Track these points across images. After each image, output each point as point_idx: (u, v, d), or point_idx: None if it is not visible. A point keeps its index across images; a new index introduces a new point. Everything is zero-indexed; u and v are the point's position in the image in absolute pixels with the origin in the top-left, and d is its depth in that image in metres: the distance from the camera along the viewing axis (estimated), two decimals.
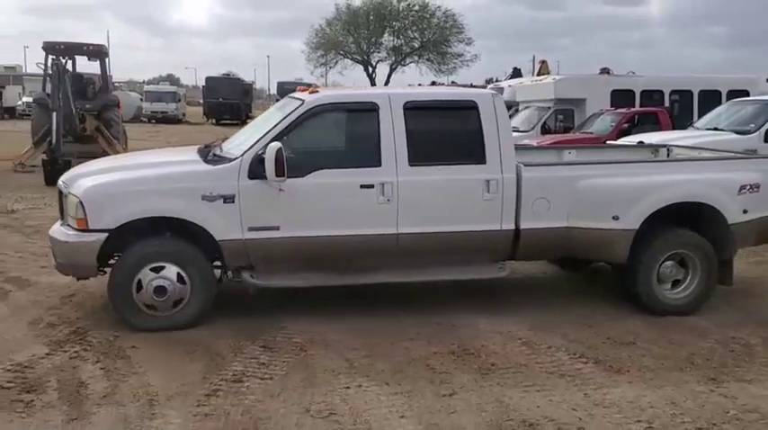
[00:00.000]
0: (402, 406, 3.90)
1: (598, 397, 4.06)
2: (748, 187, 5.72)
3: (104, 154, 15.54)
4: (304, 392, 4.06)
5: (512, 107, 17.11)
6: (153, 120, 39.43)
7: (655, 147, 7.64)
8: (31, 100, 38.94)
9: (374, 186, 5.23)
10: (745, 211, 5.69)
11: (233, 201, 5.07)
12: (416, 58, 50.24)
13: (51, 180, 12.84)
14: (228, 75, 45.65)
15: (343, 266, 5.45)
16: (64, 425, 3.61)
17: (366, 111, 5.44)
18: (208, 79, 43.79)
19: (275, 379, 4.26)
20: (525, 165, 5.49)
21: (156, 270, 5.02)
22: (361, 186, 5.24)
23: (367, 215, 5.27)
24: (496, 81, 25.67)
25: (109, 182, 5.26)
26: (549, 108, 15.33)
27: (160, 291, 5.00)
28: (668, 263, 5.59)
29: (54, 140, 13.28)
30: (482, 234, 5.42)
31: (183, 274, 5.07)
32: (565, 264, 6.81)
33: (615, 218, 5.44)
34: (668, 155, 7.16)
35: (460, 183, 5.40)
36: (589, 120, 14.17)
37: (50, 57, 16.20)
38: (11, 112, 40.63)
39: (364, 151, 5.41)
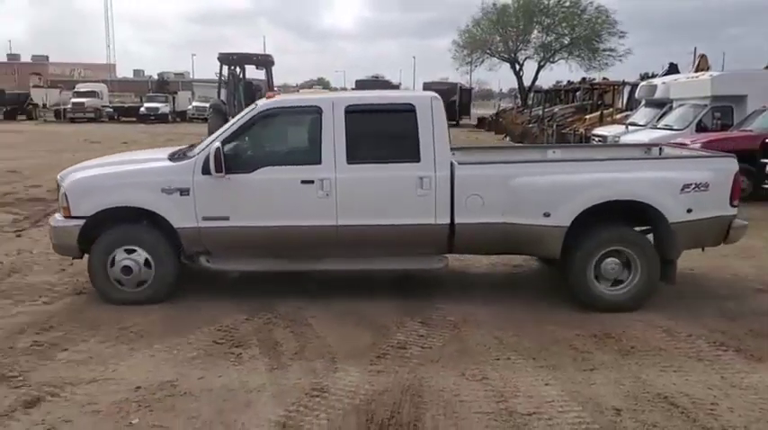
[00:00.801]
0: (546, 376, 4.42)
1: (735, 380, 4.34)
2: (693, 186, 5.64)
3: None
4: (459, 360, 4.69)
5: (665, 104, 16.71)
6: None
7: (647, 146, 7.53)
8: (199, 104, 43.18)
9: (314, 182, 5.75)
10: (689, 211, 5.64)
11: (188, 194, 5.77)
12: (566, 54, 49.20)
13: None
14: (376, 77, 47.30)
15: (290, 254, 6.03)
16: (267, 372, 4.48)
17: (311, 114, 5.98)
18: (357, 82, 45.63)
19: (434, 348, 4.93)
20: (459, 164, 5.80)
21: (129, 252, 5.85)
22: (302, 182, 5.77)
23: (308, 208, 5.78)
24: (651, 77, 24.77)
25: (87, 177, 6.13)
26: (706, 105, 14.82)
27: (126, 270, 5.84)
28: (610, 260, 5.69)
29: None
30: (418, 227, 5.77)
31: (150, 259, 5.86)
32: None
33: (546, 214, 5.60)
34: (660, 153, 7.02)
35: (395, 179, 5.79)
36: (750, 118, 13.59)
37: (225, 66, 18.10)
38: (182, 116, 44.84)
39: (307, 150, 5.99)
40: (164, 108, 43.54)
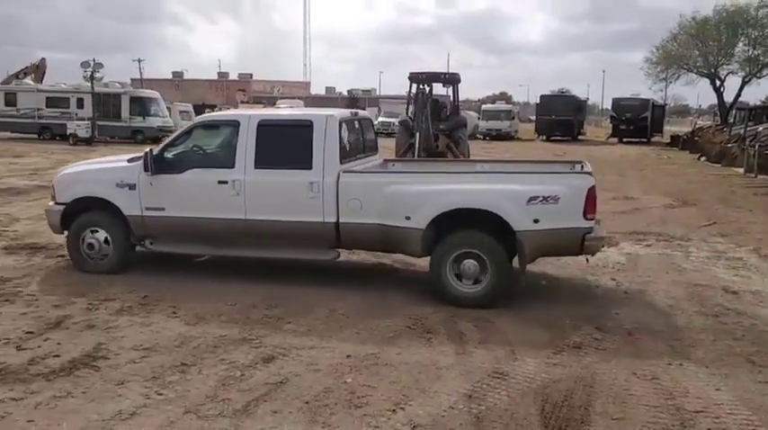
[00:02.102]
0: (718, 382, 4.66)
1: None
2: (540, 198, 6.12)
3: None
4: (631, 362, 5.03)
5: None
6: (487, 137, 42.35)
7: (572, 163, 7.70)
8: (385, 120, 45.40)
9: (228, 182, 6.88)
10: (536, 221, 6.12)
11: (135, 189, 7.16)
12: None
13: None
14: (563, 91, 46.61)
15: (213, 241, 7.23)
16: (454, 355, 5.15)
17: (232, 127, 7.13)
18: (542, 97, 45.30)
19: (608, 350, 5.31)
20: (344, 172, 6.71)
21: (93, 232, 7.34)
22: (219, 182, 6.92)
23: (223, 204, 6.91)
24: None
25: (67, 172, 7.97)
26: None
27: (90, 246, 7.33)
28: (468, 261, 6.32)
29: (416, 156, 15.88)
30: (310, 224, 6.73)
31: (109, 238, 7.31)
32: None
33: (407, 218, 6.40)
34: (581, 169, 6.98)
35: (291, 183, 6.78)
36: None
37: (414, 85, 19.19)
38: None
39: (225, 156, 7.09)
40: None
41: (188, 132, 7.44)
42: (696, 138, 32.35)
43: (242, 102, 56.58)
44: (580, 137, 44.24)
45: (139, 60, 68.14)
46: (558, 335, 5.66)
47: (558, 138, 41.40)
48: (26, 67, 40.25)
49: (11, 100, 34.54)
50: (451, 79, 20.42)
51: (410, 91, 20.04)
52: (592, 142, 40.95)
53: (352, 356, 5.05)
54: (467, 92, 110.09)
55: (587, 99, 59.19)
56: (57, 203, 7.61)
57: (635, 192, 15.89)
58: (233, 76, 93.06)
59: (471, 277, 6.38)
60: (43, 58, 41.15)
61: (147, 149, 7.16)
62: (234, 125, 7.12)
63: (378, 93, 77.41)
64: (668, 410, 4.20)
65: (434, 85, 19.68)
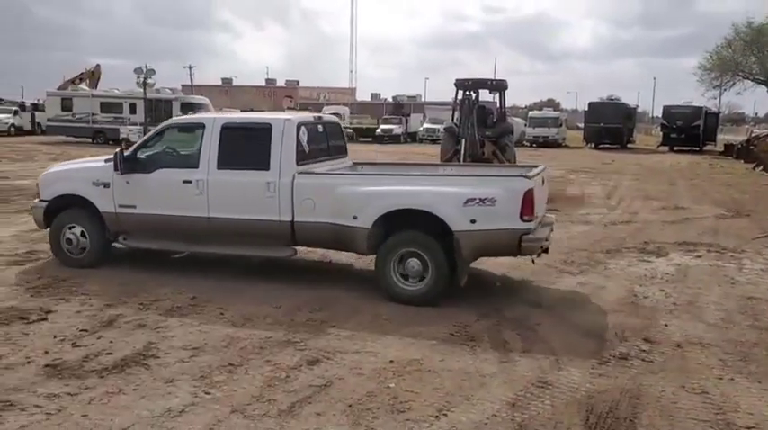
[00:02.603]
0: None
1: None
2: (477, 200, 6.34)
3: None
4: (679, 375, 4.93)
5: None
6: (534, 145, 41.94)
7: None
8: (430, 126, 45.39)
9: (192, 182, 7.19)
10: (473, 221, 6.33)
11: (109, 187, 7.54)
12: None
13: None
14: (612, 98, 45.84)
15: (180, 238, 7.53)
16: (498, 363, 5.13)
17: (198, 129, 7.44)
18: (591, 104, 44.65)
19: (655, 362, 5.21)
20: (299, 173, 6.96)
21: (72, 228, 7.73)
22: (184, 181, 7.24)
23: (188, 203, 7.22)
24: None
25: (50, 171, 8.51)
26: None
27: (68, 241, 7.75)
28: (412, 260, 6.55)
29: (461, 163, 15.81)
30: (267, 223, 6.99)
31: (86, 233, 7.70)
32: None
33: (355, 217, 6.66)
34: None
35: (250, 183, 7.06)
36: None
37: (460, 91, 19.17)
38: (413, 137, 47.42)
39: (190, 157, 7.43)
40: (397, 129, 46.48)
41: (159, 134, 7.78)
42: (752, 147, 31.33)
43: (288, 108, 57.29)
44: (629, 145, 43.41)
45: (190, 67, 69.98)
46: (604, 345, 5.59)
47: (607, 146, 40.72)
48: (81, 73, 41.56)
49: (67, 105, 35.75)
50: (498, 86, 20.29)
51: (456, 97, 20.03)
52: (641, 150, 40.14)
53: (395, 361, 5.08)
54: (513, 98, 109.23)
55: (637, 106, 57.87)
56: (40, 200, 8.06)
57: (685, 201, 15.53)
58: (280, 82, 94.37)
59: (416, 275, 6.60)
60: (98, 65, 42.42)
61: (118, 150, 7.54)
62: (200, 127, 7.45)
63: (423, 99, 77.33)
64: (718, 425, 4.11)
65: (481, 91, 19.65)
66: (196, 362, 5.00)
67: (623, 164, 27.63)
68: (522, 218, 6.35)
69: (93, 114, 34.74)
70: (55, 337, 5.49)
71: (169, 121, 8.08)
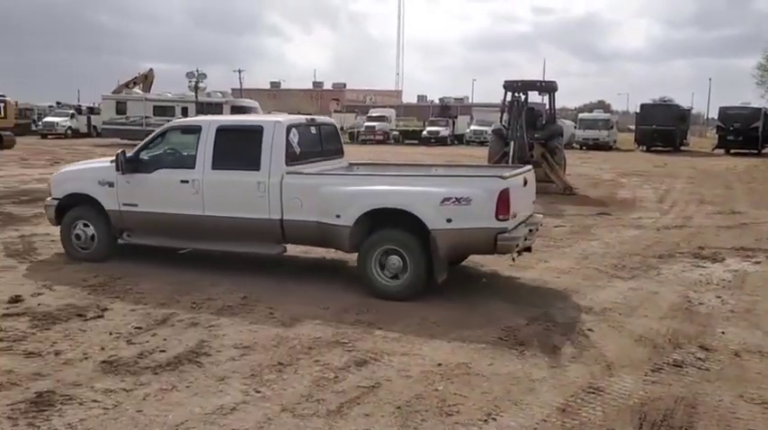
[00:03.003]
0: None
1: None
2: (453, 200, 6.52)
3: (546, 179, 17.64)
4: (738, 384, 4.78)
5: None
6: (584, 147, 41.24)
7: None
8: (477, 128, 45.08)
9: (189, 182, 7.51)
10: (449, 220, 6.52)
11: (113, 186, 7.92)
12: None
13: None
14: (665, 100, 44.70)
15: (178, 235, 7.88)
16: (548, 368, 5.06)
17: (194, 132, 7.74)
18: (642, 105, 43.61)
19: (711, 370, 5.06)
20: (287, 173, 7.20)
21: (80, 224, 8.17)
22: (181, 181, 7.57)
23: (184, 201, 7.54)
24: None
25: (61, 171, 9.09)
26: None
27: (77, 237, 8.21)
28: (393, 257, 6.76)
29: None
30: (258, 221, 7.29)
31: (93, 230, 8.11)
32: None
33: (338, 216, 6.90)
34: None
35: (242, 183, 7.36)
36: None
37: (509, 93, 19.00)
38: (459, 139, 47.17)
39: (188, 158, 7.73)
40: (444, 131, 46.32)
41: (161, 135, 8.13)
42: None
43: (335, 111, 57.69)
44: (683, 147, 42.26)
45: (239, 71, 71.15)
46: (658, 352, 5.46)
47: (659, 148, 39.77)
48: (135, 77, 42.80)
49: (121, 108, 36.80)
50: (548, 87, 20.08)
51: (504, 99, 19.87)
52: (696, 153, 39.05)
53: (443, 365, 5.06)
54: (562, 100, 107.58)
55: (691, 108, 56.28)
56: (53, 199, 8.55)
57: (742, 205, 15.04)
58: (327, 85, 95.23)
59: (397, 272, 6.80)
60: (151, 69, 43.63)
61: (120, 151, 7.95)
62: (197, 130, 7.78)
63: (470, 101, 76.96)
64: None
65: (530, 93, 19.44)
66: (247, 361, 5.08)
67: (676, 167, 26.92)
68: (497, 217, 6.52)
69: (146, 117, 35.65)
70: (111, 334, 5.65)
71: (170, 124, 8.52)
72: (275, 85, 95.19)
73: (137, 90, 40.36)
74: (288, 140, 7.41)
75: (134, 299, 6.70)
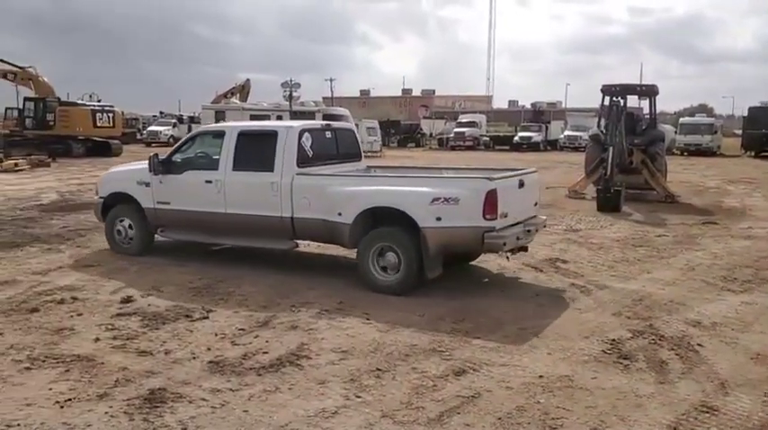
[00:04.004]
0: None
1: None
2: (442, 199, 6.88)
3: (646, 186, 16.94)
4: None
5: None
6: (685, 153, 39.38)
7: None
8: (571, 133, 43.93)
9: (212, 182, 8.19)
10: (438, 219, 6.87)
11: (149, 186, 8.69)
12: None
13: (603, 206, 14.73)
14: None
15: (205, 230, 8.59)
16: (655, 384, 4.84)
17: (219, 136, 8.43)
18: (750, 109, 41.23)
19: None
20: (297, 174, 7.75)
21: (121, 220, 9.05)
22: (206, 181, 8.26)
23: (209, 200, 8.21)
24: None
25: (108, 172, 10.07)
26: None
27: (118, 232, 9.07)
28: (389, 253, 7.15)
29: (608, 172, 15.11)
30: (273, 218, 7.84)
31: (133, 226, 8.94)
32: None
33: (339, 214, 7.38)
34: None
35: (258, 183, 7.93)
36: None
37: (607, 98, 18.40)
38: (553, 145, 46.08)
39: (212, 160, 8.39)
40: (536, 137, 45.46)
41: (191, 140, 8.96)
42: None
43: (423, 117, 57.70)
44: None
45: (331, 80, 72.51)
46: None
47: None
48: (233, 88, 44.41)
49: (220, 117, 38.06)
50: (648, 91, 19.31)
51: (602, 103, 19.26)
52: None
53: (544, 377, 4.93)
54: (661, 104, 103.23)
55: None
56: (99, 197, 9.48)
57: None
58: (416, 92, 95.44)
59: (393, 267, 7.18)
60: (248, 79, 45.15)
61: (152, 154, 8.73)
62: (221, 134, 8.47)
63: (563, 105, 75.17)
64: None
65: (628, 97, 18.75)
66: (345, 365, 5.14)
67: None
68: (484, 216, 6.81)
69: None
70: (216, 335, 5.86)
71: (199, 129, 9.56)
72: (365, 92, 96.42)
73: (234, 100, 41.84)
74: (300, 144, 7.97)
75: (237, 301, 6.92)
